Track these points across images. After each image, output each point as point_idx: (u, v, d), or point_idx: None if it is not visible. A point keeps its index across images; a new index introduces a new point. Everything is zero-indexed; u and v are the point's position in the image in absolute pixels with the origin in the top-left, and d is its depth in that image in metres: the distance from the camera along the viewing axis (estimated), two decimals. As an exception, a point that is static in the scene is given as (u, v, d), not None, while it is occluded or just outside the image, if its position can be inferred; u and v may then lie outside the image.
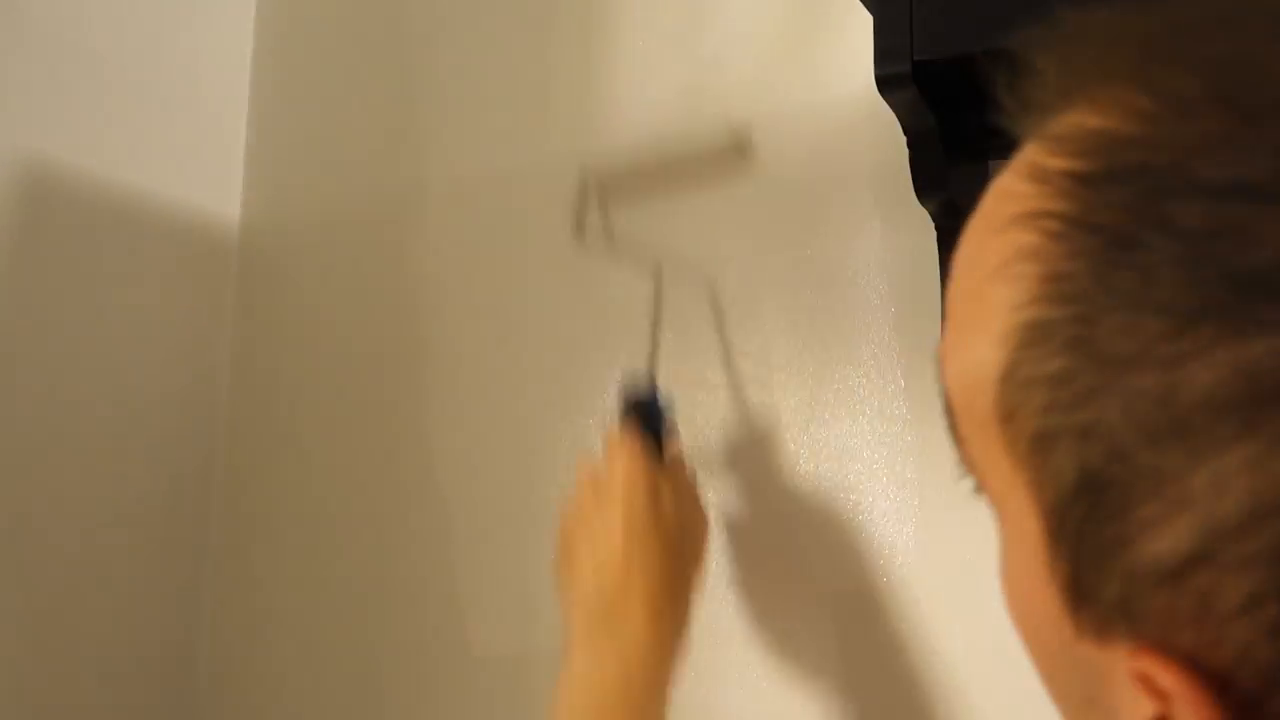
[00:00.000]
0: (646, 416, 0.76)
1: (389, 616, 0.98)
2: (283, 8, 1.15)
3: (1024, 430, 0.29)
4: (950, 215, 0.73)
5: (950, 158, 0.69)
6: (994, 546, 0.81)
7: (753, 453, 0.84)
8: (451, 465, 0.97)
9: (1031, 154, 0.31)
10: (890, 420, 0.80)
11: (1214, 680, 0.26)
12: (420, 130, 1.04)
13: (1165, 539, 0.26)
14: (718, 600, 0.84)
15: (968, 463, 0.34)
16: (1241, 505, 0.24)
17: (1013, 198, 0.30)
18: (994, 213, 0.32)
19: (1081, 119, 0.29)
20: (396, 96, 1.06)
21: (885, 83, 0.64)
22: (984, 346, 0.30)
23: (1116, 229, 0.27)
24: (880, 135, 0.81)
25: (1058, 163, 0.29)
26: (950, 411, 0.34)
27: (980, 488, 0.34)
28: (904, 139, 0.69)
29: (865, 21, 0.65)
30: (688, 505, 0.72)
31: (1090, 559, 0.28)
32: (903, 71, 0.62)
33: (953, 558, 0.76)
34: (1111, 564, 0.27)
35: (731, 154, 0.86)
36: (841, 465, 0.81)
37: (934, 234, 0.75)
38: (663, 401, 0.78)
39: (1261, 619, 0.25)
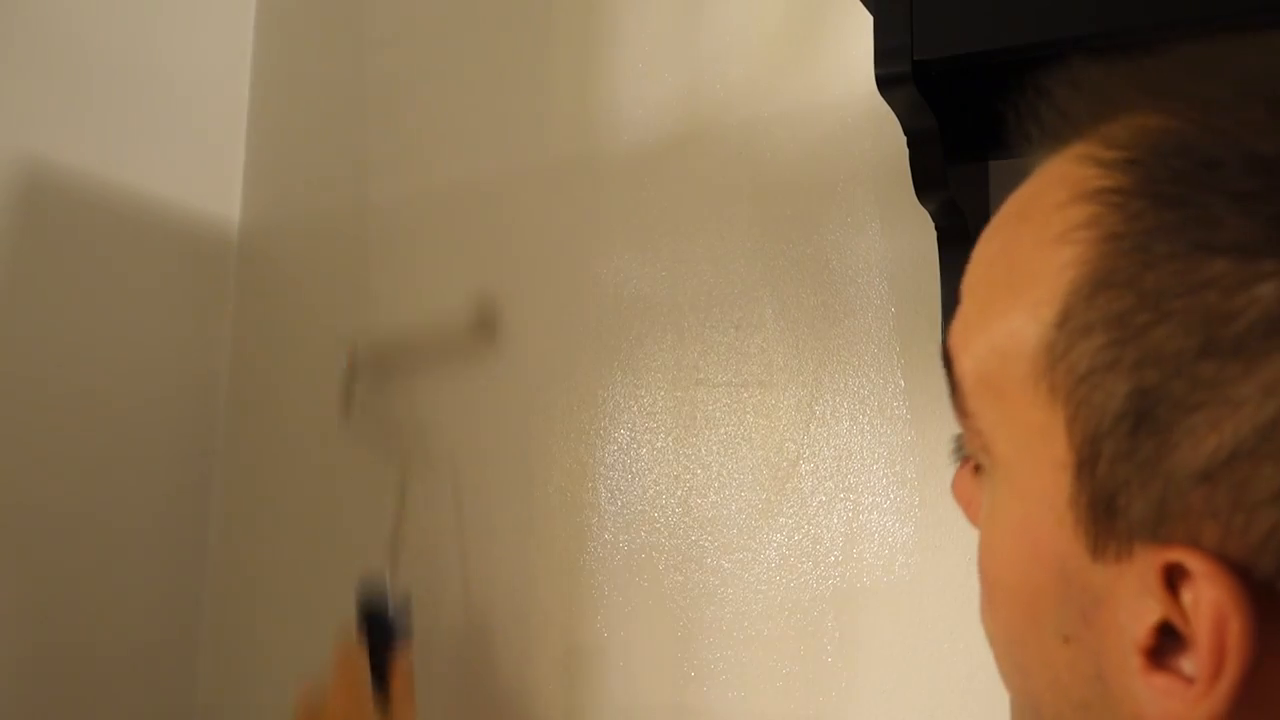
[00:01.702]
0: (379, 630, 0.81)
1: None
2: (283, 8, 1.15)
3: (1073, 370, 0.33)
4: (950, 215, 0.73)
5: (950, 158, 0.69)
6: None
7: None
8: (450, 459, 0.97)
9: (1082, 150, 0.35)
10: (890, 420, 0.80)
11: (1235, 567, 0.30)
12: (420, 131, 1.04)
13: (1211, 440, 0.30)
14: (715, 601, 0.84)
15: (971, 433, 0.38)
16: None
17: (1065, 182, 0.35)
18: (1041, 197, 0.36)
19: (1128, 123, 0.34)
20: (396, 98, 1.06)
21: (885, 83, 0.64)
22: (1024, 312, 0.34)
23: (1175, 194, 0.32)
24: (880, 135, 0.81)
25: (1114, 153, 0.34)
26: (959, 388, 0.38)
27: (980, 455, 0.38)
28: (904, 139, 0.68)
29: (865, 21, 0.65)
30: None
31: (1129, 473, 0.31)
32: (903, 71, 0.62)
33: (953, 558, 0.76)
34: (1152, 472, 0.31)
35: (480, 328, 0.91)
36: (841, 465, 0.81)
37: (934, 234, 0.75)
38: (394, 612, 0.82)
39: None
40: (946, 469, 0.77)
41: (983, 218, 0.77)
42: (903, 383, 0.80)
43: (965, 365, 0.38)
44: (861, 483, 0.80)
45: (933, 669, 0.76)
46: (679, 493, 0.87)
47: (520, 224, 0.97)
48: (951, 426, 0.80)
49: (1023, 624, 0.36)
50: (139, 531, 1.02)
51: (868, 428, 0.80)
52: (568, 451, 0.92)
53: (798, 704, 0.79)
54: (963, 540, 0.76)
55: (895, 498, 0.79)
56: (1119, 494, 0.32)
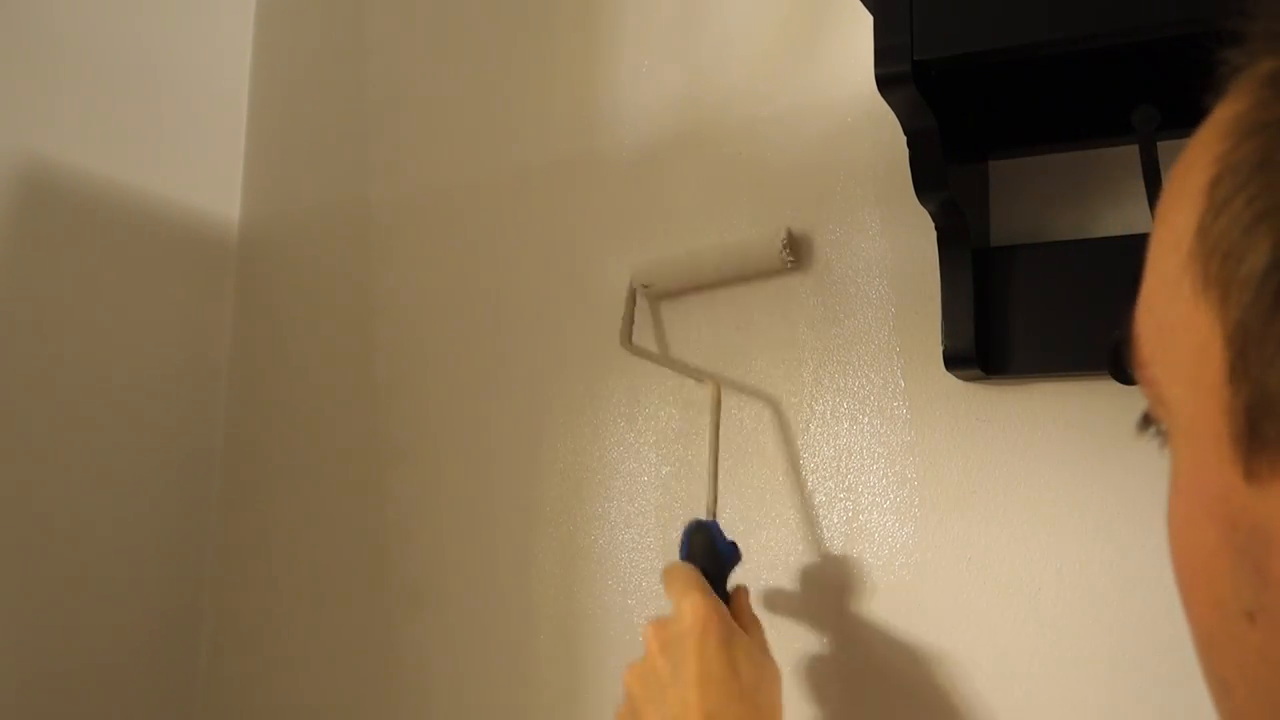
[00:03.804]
0: (709, 556, 0.72)
1: (388, 611, 0.98)
2: (283, 8, 1.15)
3: (1223, 240, 0.29)
4: (950, 215, 0.73)
5: (950, 158, 0.69)
6: (992, 547, 0.81)
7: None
8: (449, 458, 0.97)
9: None
10: (890, 420, 0.80)
11: None
12: (419, 132, 1.04)
13: None
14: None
15: (1149, 387, 0.34)
16: None
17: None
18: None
19: None
20: (396, 98, 1.06)
21: (885, 83, 0.64)
22: (1183, 204, 0.31)
23: None
24: (880, 135, 0.81)
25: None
26: (1138, 347, 0.34)
27: (1159, 411, 0.34)
28: (904, 139, 0.68)
29: (865, 21, 0.65)
30: (760, 655, 0.66)
31: None
32: (903, 71, 0.62)
33: (953, 558, 0.76)
34: None
35: (784, 256, 0.82)
36: (841, 465, 0.81)
37: (934, 234, 0.75)
38: (725, 539, 0.73)
39: None
40: (946, 469, 0.78)
41: (983, 218, 0.77)
42: (903, 383, 0.80)
43: (1145, 321, 0.34)
44: (861, 483, 0.80)
45: (932, 669, 0.76)
46: (680, 493, 0.87)
47: (520, 224, 0.97)
48: (950, 426, 0.80)
49: (1210, 614, 0.31)
50: (139, 531, 1.02)
51: (868, 428, 0.80)
52: (567, 452, 0.92)
53: (798, 703, 0.79)
54: (963, 540, 0.76)
55: (895, 498, 0.79)
56: (1271, 378, 0.27)
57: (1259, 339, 0.28)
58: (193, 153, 1.10)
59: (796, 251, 0.82)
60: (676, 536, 0.80)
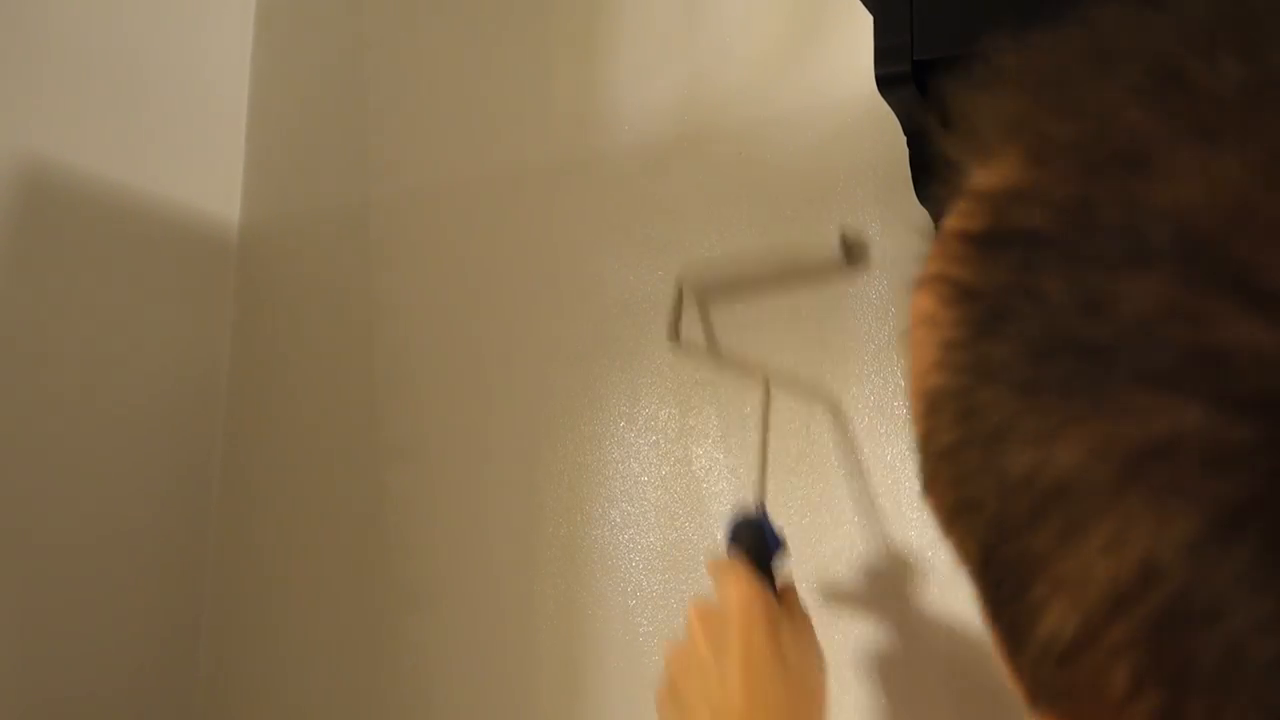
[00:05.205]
0: (756, 545, 0.70)
1: (388, 611, 0.98)
2: (283, 8, 1.15)
3: (943, 500, 0.29)
4: (950, 215, 0.73)
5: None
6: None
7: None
8: (449, 458, 0.97)
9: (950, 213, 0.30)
10: (890, 420, 0.80)
11: None
12: (419, 132, 1.04)
13: (1052, 620, 0.25)
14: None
15: None
16: (1104, 590, 0.23)
17: (926, 258, 0.30)
18: (918, 274, 0.31)
19: (984, 174, 0.28)
20: (396, 98, 1.06)
21: (885, 83, 0.64)
22: (919, 357, 0.30)
23: (994, 298, 0.26)
24: (880, 135, 0.81)
25: (953, 222, 0.28)
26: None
27: None
28: (904, 139, 0.69)
29: (865, 21, 0.65)
30: (806, 642, 0.65)
31: (1006, 633, 0.27)
32: (903, 71, 0.62)
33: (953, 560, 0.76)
34: (1019, 641, 0.26)
35: (843, 258, 0.80)
36: (841, 465, 0.81)
37: (934, 234, 0.75)
38: (774, 528, 0.72)
39: (1147, 706, 0.23)
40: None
41: (983, 218, 0.77)
42: (903, 383, 0.80)
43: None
44: (862, 484, 0.80)
45: (935, 668, 0.76)
46: (679, 493, 0.87)
47: (520, 224, 0.97)
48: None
49: None
50: (138, 531, 1.02)
51: (868, 428, 0.80)
52: (567, 453, 0.92)
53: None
54: (963, 540, 0.76)
55: (896, 499, 0.79)
56: (1006, 646, 0.28)
57: (993, 608, 0.27)
58: (193, 153, 1.10)
59: (853, 253, 0.80)
60: (677, 537, 0.80)
